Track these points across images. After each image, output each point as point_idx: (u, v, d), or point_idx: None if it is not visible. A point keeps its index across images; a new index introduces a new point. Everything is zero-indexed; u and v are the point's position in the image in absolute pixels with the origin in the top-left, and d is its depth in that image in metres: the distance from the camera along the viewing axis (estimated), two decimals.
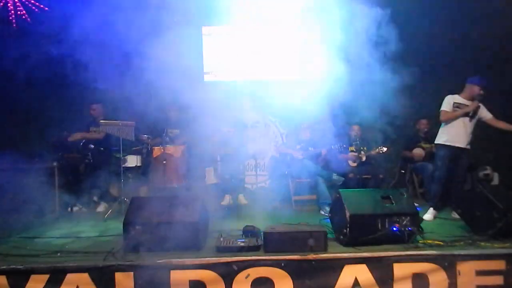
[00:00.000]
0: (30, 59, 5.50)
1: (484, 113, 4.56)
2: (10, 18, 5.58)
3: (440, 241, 3.31)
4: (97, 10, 4.98)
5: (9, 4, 5.58)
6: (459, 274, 2.97)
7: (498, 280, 2.99)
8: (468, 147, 4.56)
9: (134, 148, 5.47)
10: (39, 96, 5.60)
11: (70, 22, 5.10)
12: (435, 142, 4.69)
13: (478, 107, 4.51)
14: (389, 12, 4.50)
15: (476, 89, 4.50)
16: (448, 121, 4.58)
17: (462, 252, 3.06)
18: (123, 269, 2.93)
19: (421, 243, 3.28)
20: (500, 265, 3.01)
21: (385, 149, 5.36)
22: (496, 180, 6.18)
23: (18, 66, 5.49)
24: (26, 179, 4.76)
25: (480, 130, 5.99)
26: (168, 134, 5.62)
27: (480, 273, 2.98)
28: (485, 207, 3.56)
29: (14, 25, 5.63)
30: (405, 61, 4.64)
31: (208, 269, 2.92)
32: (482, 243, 3.25)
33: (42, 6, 5.61)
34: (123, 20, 4.80)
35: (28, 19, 5.60)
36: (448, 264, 2.98)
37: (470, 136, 4.55)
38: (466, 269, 2.98)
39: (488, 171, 6.16)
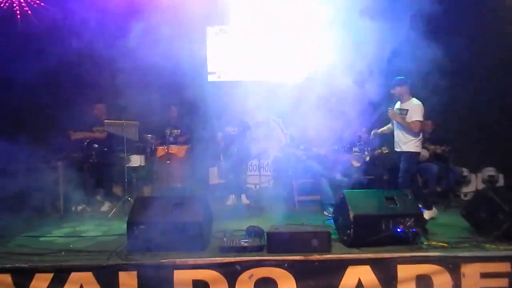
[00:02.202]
0: (33, 59, 5.54)
1: (410, 116, 4.47)
2: (15, 18, 5.62)
3: (445, 243, 3.29)
4: (100, 10, 5.00)
5: (14, 4, 5.62)
6: (464, 276, 2.95)
7: (503, 282, 2.96)
8: (404, 149, 4.52)
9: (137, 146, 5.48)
10: (42, 96, 5.62)
11: (73, 23, 5.13)
12: None
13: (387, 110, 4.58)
14: (388, 15, 4.48)
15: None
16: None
17: (467, 254, 3.04)
18: (126, 268, 2.94)
19: (425, 244, 3.26)
20: (505, 267, 2.98)
21: (386, 149, 5.35)
22: (501, 182, 6.15)
23: (21, 66, 5.53)
24: (31, 178, 4.79)
25: (484, 131, 5.98)
26: (172, 134, 5.64)
27: (484, 275, 2.96)
28: (490, 209, 3.54)
29: (19, 25, 5.67)
30: (408, 61, 4.62)
31: (211, 269, 2.93)
32: (487, 245, 3.22)
33: (44, 5, 5.64)
34: (126, 20, 4.82)
35: (33, 18, 5.63)
36: (453, 266, 2.96)
37: (403, 138, 4.51)
38: (470, 271, 2.96)
39: (494, 172, 6.12)
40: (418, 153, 4.54)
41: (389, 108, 4.58)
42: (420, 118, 4.39)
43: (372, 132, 5.08)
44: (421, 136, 4.49)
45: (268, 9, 5.08)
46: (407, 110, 4.47)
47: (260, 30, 6.29)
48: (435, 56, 4.56)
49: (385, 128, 4.91)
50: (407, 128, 4.43)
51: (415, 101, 4.51)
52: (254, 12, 5.03)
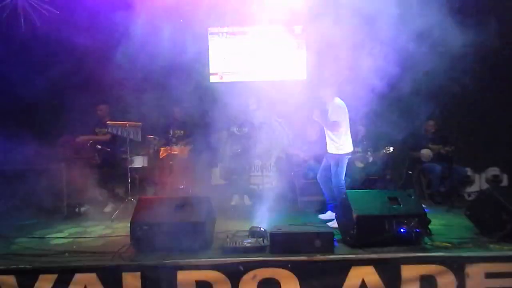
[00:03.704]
0: (36, 60, 5.57)
1: (330, 116, 4.40)
2: (18, 20, 5.64)
3: (449, 243, 3.28)
4: (102, 12, 5.02)
5: (18, 7, 5.64)
6: (468, 276, 2.94)
7: (508, 282, 2.95)
8: (328, 151, 4.50)
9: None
10: (46, 97, 5.65)
11: (76, 24, 5.15)
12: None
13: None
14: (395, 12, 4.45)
15: None
16: None
17: (471, 254, 3.03)
18: (130, 269, 2.95)
19: (429, 244, 3.25)
20: (510, 267, 2.97)
21: (391, 149, 5.32)
22: (505, 181, 6.11)
23: (24, 67, 5.56)
24: (34, 179, 4.81)
25: (488, 131, 5.95)
26: (175, 134, 5.65)
27: (489, 275, 2.95)
28: (494, 209, 3.51)
29: (22, 28, 5.69)
30: (411, 60, 4.61)
31: (214, 270, 2.93)
32: (491, 245, 3.21)
33: (49, 7, 5.65)
34: (128, 22, 4.83)
35: (37, 22, 5.65)
36: (457, 266, 2.95)
37: (327, 140, 4.48)
38: (475, 271, 2.94)
39: (497, 172, 6.09)
40: (343, 155, 4.38)
41: (314, 110, 4.47)
42: (337, 119, 4.29)
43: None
44: (345, 138, 4.36)
45: (270, 10, 5.08)
46: (328, 110, 4.40)
47: (262, 31, 6.29)
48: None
49: None
50: (328, 129, 4.38)
51: (336, 101, 4.41)
52: (256, 13, 5.03)
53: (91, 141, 5.38)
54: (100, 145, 5.36)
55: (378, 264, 2.95)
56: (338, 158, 4.34)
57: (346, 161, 4.38)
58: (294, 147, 5.77)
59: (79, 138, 5.43)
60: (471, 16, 4.86)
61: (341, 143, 4.34)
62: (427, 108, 5.76)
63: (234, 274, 2.92)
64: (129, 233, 3.34)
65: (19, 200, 4.68)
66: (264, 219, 4.08)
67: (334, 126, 4.29)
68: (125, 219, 4.13)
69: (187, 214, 3.35)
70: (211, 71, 6.47)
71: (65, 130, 5.52)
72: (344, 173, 4.39)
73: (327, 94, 4.45)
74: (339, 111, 4.33)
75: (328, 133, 4.43)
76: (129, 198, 4.97)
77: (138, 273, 2.93)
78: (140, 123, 5.19)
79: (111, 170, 5.33)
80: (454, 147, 5.62)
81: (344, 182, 4.37)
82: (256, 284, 2.91)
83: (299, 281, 2.92)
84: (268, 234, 3.26)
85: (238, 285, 2.91)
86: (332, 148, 4.40)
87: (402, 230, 3.23)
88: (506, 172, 6.11)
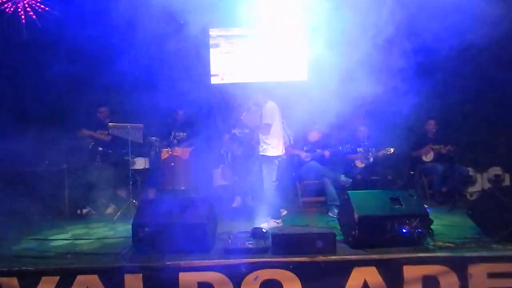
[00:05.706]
0: (36, 63, 5.58)
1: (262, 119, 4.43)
2: (20, 23, 5.67)
3: (451, 243, 3.27)
4: (104, 14, 5.04)
5: (19, 10, 5.67)
6: (471, 276, 2.93)
7: (511, 282, 2.93)
8: (261, 152, 4.48)
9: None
10: (47, 99, 5.67)
11: (78, 26, 5.17)
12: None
13: None
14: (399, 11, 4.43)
15: None
16: None
17: (474, 254, 3.03)
18: (132, 271, 2.95)
19: (431, 245, 3.25)
20: None
21: (392, 149, 5.32)
22: (507, 181, 6.09)
23: (25, 69, 5.58)
24: (36, 181, 4.82)
25: (490, 130, 5.93)
26: (176, 136, 5.65)
27: (492, 275, 2.94)
28: (496, 209, 3.50)
29: (24, 29, 5.72)
30: (411, 61, 4.60)
31: (216, 271, 2.93)
32: (494, 245, 3.21)
33: (51, 10, 5.67)
34: (130, 24, 4.85)
35: (38, 22, 5.67)
36: (459, 267, 2.94)
37: (260, 142, 4.48)
38: (477, 271, 2.94)
39: (499, 172, 6.07)
40: (273, 157, 4.36)
41: (244, 113, 4.49)
42: (268, 121, 4.32)
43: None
44: (276, 141, 4.35)
45: (271, 10, 5.08)
46: (261, 113, 4.41)
47: (263, 31, 6.29)
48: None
49: None
50: (260, 131, 4.40)
51: (268, 104, 4.43)
52: (257, 14, 5.03)
53: (92, 143, 5.41)
54: (101, 147, 5.38)
55: (380, 265, 2.95)
56: (268, 159, 4.34)
57: (276, 164, 4.36)
58: (295, 147, 5.76)
59: (82, 131, 5.46)
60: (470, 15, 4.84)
61: (272, 145, 4.34)
62: (428, 108, 5.76)
63: (236, 275, 2.92)
64: (131, 235, 3.34)
65: (21, 202, 4.68)
66: (266, 220, 4.08)
67: (265, 128, 4.33)
68: (127, 220, 4.15)
69: (189, 216, 3.34)
70: (212, 72, 6.48)
71: (67, 131, 5.54)
72: (274, 176, 4.34)
73: (260, 97, 4.49)
74: (272, 114, 4.36)
75: (260, 136, 4.44)
76: (131, 199, 4.98)
77: (140, 275, 2.93)
78: (141, 124, 5.20)
79: (113, 172, 5.34)
80: (455, 147, 5.61)
81: (273, 186, 4.31)
82: (258, 285, 2.90)
83: (301, 282, 2.91)
84: (270, 235, 3.26)
85: (240, 287, 2.90)
86: (263, 150, 4.40)
87: (404, 230, 3.23)
88: (508, 171, 6.09)
